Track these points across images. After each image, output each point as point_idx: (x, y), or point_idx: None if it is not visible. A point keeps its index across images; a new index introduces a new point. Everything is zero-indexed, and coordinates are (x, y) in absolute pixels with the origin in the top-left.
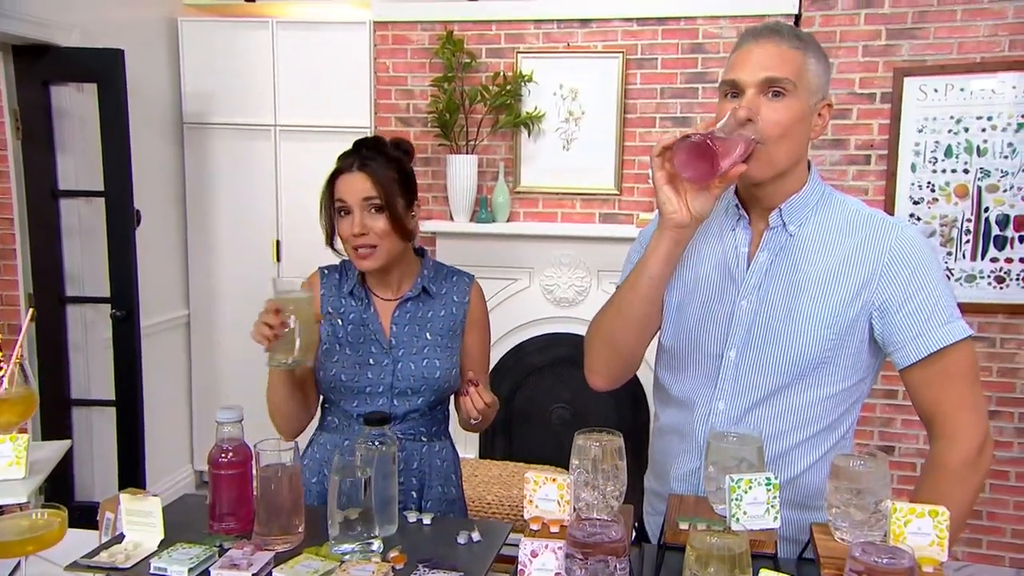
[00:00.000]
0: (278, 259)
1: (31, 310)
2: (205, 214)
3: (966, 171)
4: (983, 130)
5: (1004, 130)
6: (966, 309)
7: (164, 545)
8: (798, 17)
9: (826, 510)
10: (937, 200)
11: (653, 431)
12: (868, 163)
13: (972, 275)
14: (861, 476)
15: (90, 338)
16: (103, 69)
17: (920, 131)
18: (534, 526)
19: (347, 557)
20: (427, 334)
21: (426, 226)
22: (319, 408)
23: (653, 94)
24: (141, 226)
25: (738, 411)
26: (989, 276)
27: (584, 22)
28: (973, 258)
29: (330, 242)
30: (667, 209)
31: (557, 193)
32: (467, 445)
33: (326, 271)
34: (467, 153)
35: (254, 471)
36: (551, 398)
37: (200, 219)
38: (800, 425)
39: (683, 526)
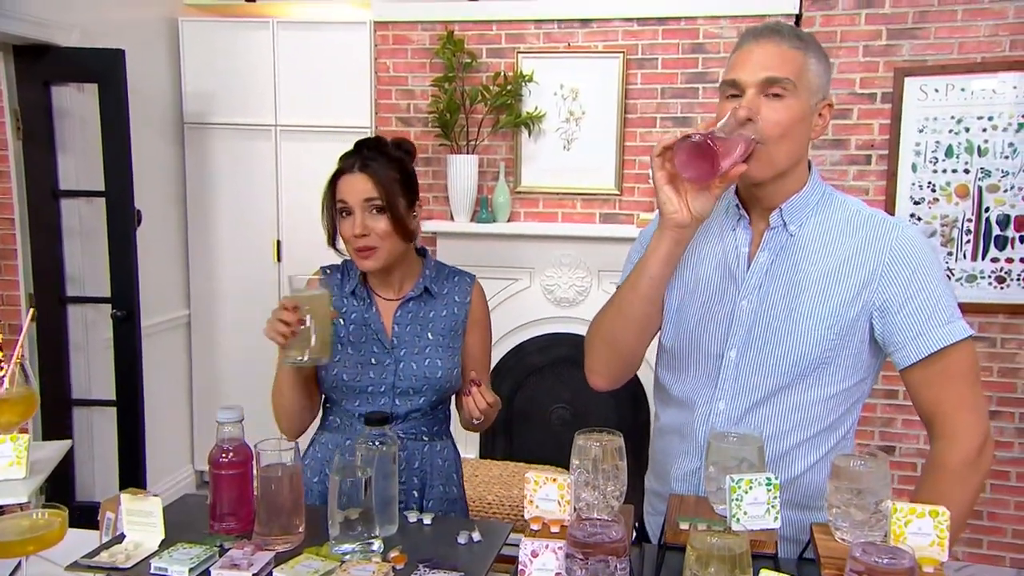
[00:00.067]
0: (279, 259)
1: (32, 310)
2: (206, 214)
3: (967, 171)
4: (984, 130)
5: (1005, 130)
6: (967, 309)
7: (165, 545)
8: (799, 17)
9: (827, 510)
10: (938, 200)
11: (653, 431)
12: (869, 163)
13: (973, 275)
14: (861, 476)
15: (91, 338)
16: (104, 69)
17: (921, 131)
18: (534, 526)
19: (347, 557)
20: (429, 334)
21: (427, 226)
22: (320, 408)
23: (654, 94)
24: (142, 226)
25: (739, 411)
26: (990, 276)
27: (584, 22)
28: (974, 258)
29: (332, 242)
30: (667, 209)
31: (558, 193)
32: (468, 445)
33: (328, 271)
34: (468, 153)
35: (255, 471)
36: (551, 398)
37: (201, 219)
38: (801, 425)
39: (683, 526)
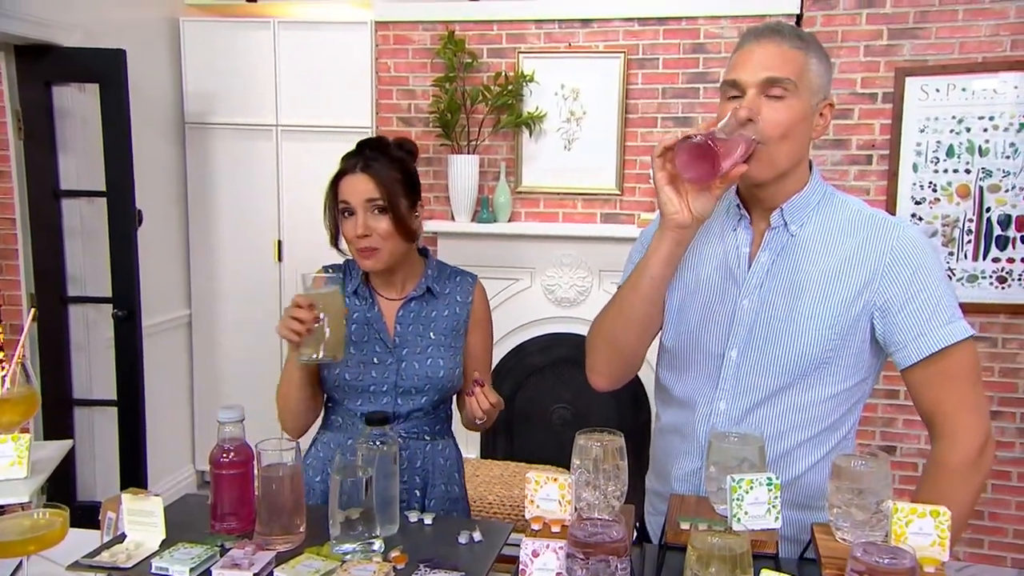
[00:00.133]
0: (279, 259)
1: (33, 310)
2: (207, 214)
3: (968, 171)
4: (985, 130)
5: (1006, 130)
6: (968, 309)
7: (166, 545)
8: (799, 17)
9: (828, 510)
10: (939, 200)
11: (654, 431)
12: (870, 163)
13: (974, 275)
14: (862, 476)
15: (92, 338)
16: (105, 69)
17: (922, 131)
18: (535, 526)
19: (348, 557)
20: (431, 333)
21: (427, 226)
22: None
23: (654, 94)
24: (143, 226)
25: (739, 411)
26: (991, 276)
27: (585, 22)
28: (975, 258)
29: (335, 243)
30: (668, 210)
31: (558, 193)
32: (469, 445)
33: (330, 270)
34: (468, 153)
35: (255, 471)
36: (552, 398)
37: (202, 219)
38: (802, 425)
39: (684, 526)
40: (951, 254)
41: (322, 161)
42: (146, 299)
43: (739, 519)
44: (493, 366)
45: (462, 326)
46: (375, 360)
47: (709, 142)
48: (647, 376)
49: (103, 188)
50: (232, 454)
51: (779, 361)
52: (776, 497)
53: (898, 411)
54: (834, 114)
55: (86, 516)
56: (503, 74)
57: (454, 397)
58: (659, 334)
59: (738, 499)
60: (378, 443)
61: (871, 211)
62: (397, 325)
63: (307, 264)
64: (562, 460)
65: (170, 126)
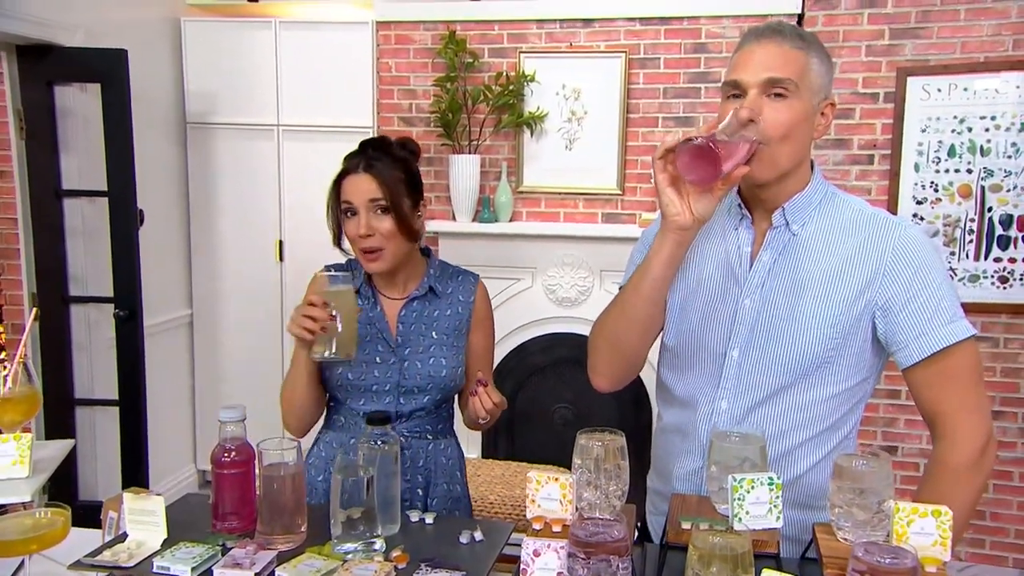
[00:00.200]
0: (281, 259)
1: (35, 310)
2: (208, 214)
3: (969, 171)
4: (986, 130)
5: (1008, 130)
6: (969, 309)
7: (167, 544)
8: (801, 17)
9: (829, 510)
10: (940, 200)
11: (656, 431)
12: (871, 163)
13: (975, 275)
14: (864, 476)
15: (93, 338)
16: (106, 69)
17: (923, 131)
18: (536, 525)
19: (350, 556)
20: (433, 333)
21: (429, 226)
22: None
23: (656, 94)
24: (144, 226)
25: (741, 410)
26: (992, 276)
27: (587, 22)
28: (976, 258)
29: (337, 243)
30: (670, 211)
31: (560, 193)
32: (470, 445)
33: (332, 269)
34: (470, 153)
35: (257, 470)
36: (553, 398)
37: (203, 219)
38: (803, 424)
39: (685, 526)
40: (952, 254)
41: (324, 161)
42: (147, 299)
43: (740, 519)
44: (494, 366)
45: (464, 325)
46: (378, 359)
47: (710, 144)
48: (648, 377)
49: (105, 188)
50: (233, 453)
51: (781, 360)
52: (777, 497)
53: (900, 411)
54: (835, 114)
55: (87, 516)
56: (504, 74)
57: (456, 396)
58: (661, 334)
59: (739, 499)
60: (379, 443)
61: (873, 210)
62: (399, 324)
63: (308, 264)
64: (563, 460)
65: (171, 126)
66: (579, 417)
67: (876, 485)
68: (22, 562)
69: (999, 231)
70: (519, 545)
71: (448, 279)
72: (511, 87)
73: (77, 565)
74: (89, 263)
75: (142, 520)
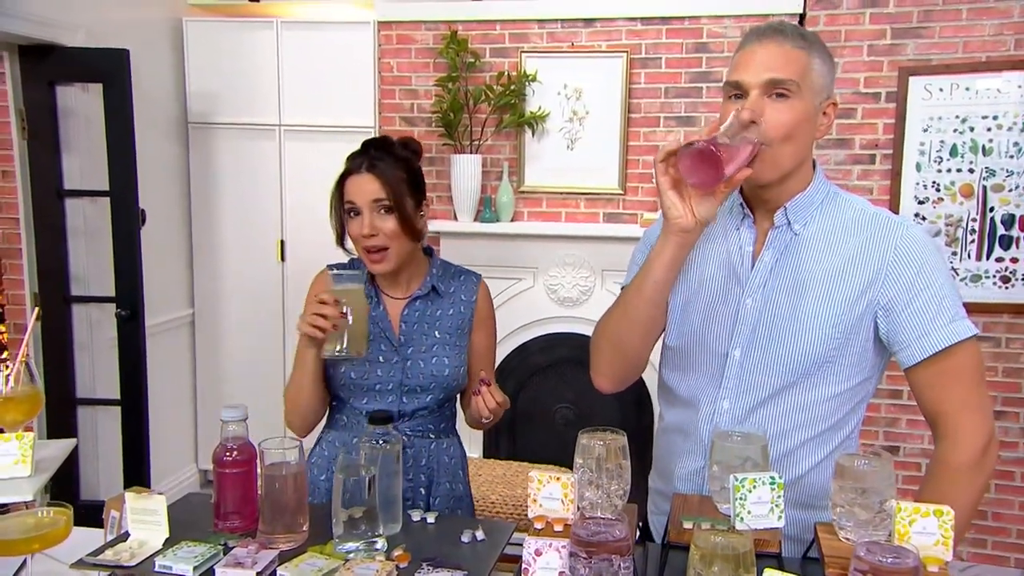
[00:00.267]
0: (282, 259)
1: (37, 309)
2: (210, 214)
3: (971, 171)
4: (988, 129)
5: (1010, 129)
6: (971, 309)
7: (169, 543)
8: (802, 16)
9: (831, 509)
10: (942, 200)
11: (657, 430)
12: (873, 162)
13: (977, 275)
14: (866, 475)
15: (95, 337)
16: (108, 69)
17: (925, 130)
18: (538, 525)
19: (351, 556)
20: (436, 332)
21: (430, 226)
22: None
23: (657, 93)
24: (146, 226)
25: (743, 410)
26: (994, 276)
27: (588, 22)
28: (978, 258)
29: (340, 242)
30: (672, 214)
31: (561, 193)
32: (471, 444)
33: (335, 269)
34: (471, 153)
35: (258, 470)
36: (555, 398)
37: (205, 219)
38: (805, 424)
39: (687, 525)
40: (954, 254)
41: (325, 161)
42: (149, 299)
43: (742, 518)
44: (496, 366)
45: (467, 325)
46: (380, 359)
47: (712, 148)
48: (650, 377)
49: (106, 188)
50: (235, 453)
51: (782, 360)
52: (779, 496)
53: (901, 411)
54: (837, 113)
55: (89, 515)
56: (506, 74)
57: (458, 395)
58: (663, 335)
59: (741, 498)
60: (381, 442)
61: (875, 210)
62: (402, 324)
63: (310, 264)
64: (565, 460)
65: (173, 126)
66: (580, 417)
67: (878, 485)
68: (24, 561)
69: (1001, 231)
70: (521, 544)
71: (450, 279)
72: (512, 87)
73: (79, 564)
74: (91, 263)
75: (144, 519)
